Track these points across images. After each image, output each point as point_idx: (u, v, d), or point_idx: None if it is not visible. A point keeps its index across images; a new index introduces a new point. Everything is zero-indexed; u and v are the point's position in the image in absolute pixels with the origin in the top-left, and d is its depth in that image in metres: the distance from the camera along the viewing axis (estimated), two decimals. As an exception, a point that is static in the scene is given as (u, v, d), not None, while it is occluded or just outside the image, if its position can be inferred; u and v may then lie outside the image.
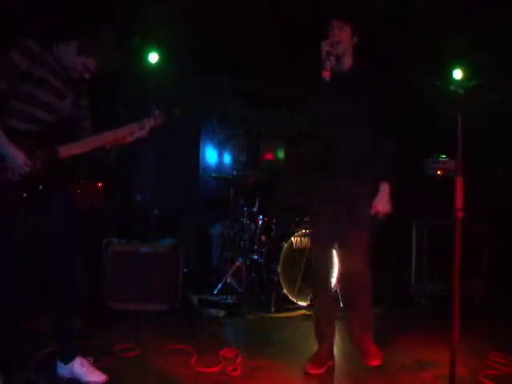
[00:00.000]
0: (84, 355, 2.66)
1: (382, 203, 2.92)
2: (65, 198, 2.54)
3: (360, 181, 2.94)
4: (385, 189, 2.93)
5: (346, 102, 2.91)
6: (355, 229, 2.94)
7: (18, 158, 2.30)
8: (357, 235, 2.95)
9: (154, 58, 5.59)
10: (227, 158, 6.38)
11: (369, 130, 2.94)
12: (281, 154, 6.49)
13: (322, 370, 2.90)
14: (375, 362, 2.95)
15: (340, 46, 2.86)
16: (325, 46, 2.81)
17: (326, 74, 2.81)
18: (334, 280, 4.10)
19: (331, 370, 2.95)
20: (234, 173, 5.24)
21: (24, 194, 2.34)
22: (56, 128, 2.45)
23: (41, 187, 2.39)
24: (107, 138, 2.56)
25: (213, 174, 5.62)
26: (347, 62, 2.97)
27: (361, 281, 2.99)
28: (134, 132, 2.65)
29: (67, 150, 2.45)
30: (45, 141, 2.40)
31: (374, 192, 2.96)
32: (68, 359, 2.60)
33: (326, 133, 2.97)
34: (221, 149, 6.37)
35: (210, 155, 6.34)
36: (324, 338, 3.02)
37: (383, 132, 2.97)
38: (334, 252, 3.70)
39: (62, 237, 2.54)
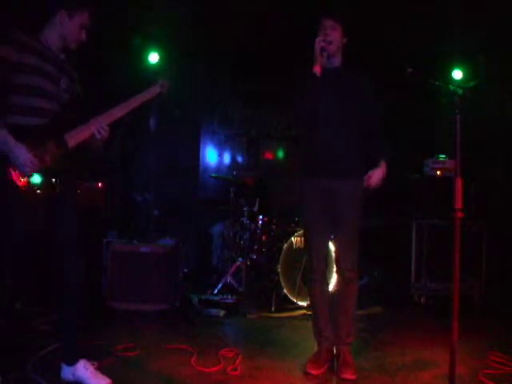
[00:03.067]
0: (88, 358, 2.62)
1: (376, 177, 2.94)
2: (70, 194, 2.52)
3: (350, 179, 2.94)
4: (383, 166, 2.96)
5: (334, 98, 2.93)
6: (344, 228, 2.94)
7: (21, 156, 2.26)
8: (347, 234, 2.95)
9: (154, 57, 5.60)
10: (227, 158, 6.38)
11: (356, 128, 2.95)
12: (281, 154, 6.49)
13: (322, 370, 2.90)
14: (349, 376, 2.81)
15: (332, 45, 2.88)
16: (319, 42, 2.82)
17: (317, 69, 2.80)
18: (332, 281, 4.11)
19: (331, 369, 2.94)
20: (234, 173, 5.24)
21: (38, 191, 2.32)
22: (59, 117, 2.43)
23: (54, 181, 2.36)
24: (107, 118, 2.52)
25: (213, 175, 5.63)
26: (337, 61, 2.99)
27: (348, 282, 2.97)
28: (132, 107, 2.58)
29: (74, 138, 2.42)
30: (51, 132, 2.37)
31: (362, 190, 2.97)
32: (71, 361, 2.56)
33: (314, 130, 2.96)
34: (221, 149, 6.37)
35: (210, 155, 6.34)
36: (323, 339, 3.03)
37: (373, 130, 2.99)
38: (333, 253, 3.72)
39: (69, 234, 2.52)
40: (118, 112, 2.55)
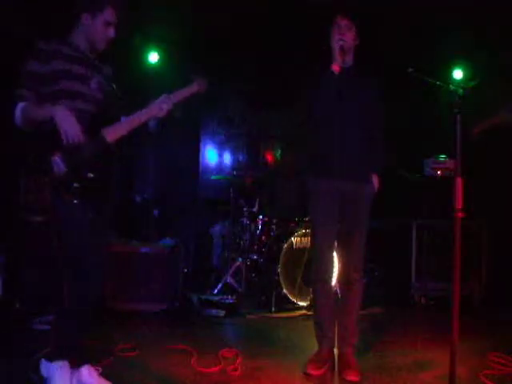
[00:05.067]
0: (91, 363, 2.52)
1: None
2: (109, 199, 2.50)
3: (359, 181, 2.94)
4: (375, 178, 3.02)
5: (348, 98, 2.92)
6: (354, 230, 2.94)
7: (68, 118, 2.24)
8: (355, 235, 2.95)
9: (153, 57, 5.60)
10: (227, 158, 6.38)
11: (366, 129, 2.96)
12: (281, 155, 6.49)
13: (322, 371, 2.89)
14: (353, 378, 2.78)
15: (348, 43, 2.90)
16: (338, 41, 2.86)
17: (336, 68, 2.83)
18: (334, 281, 4.10)
19: (331, 370, 2.94)
20: (234, 173, 5.24)
21: (75, 185, 2.28)
22: (94, 116, 2.42)
23: (91, 175, 2.33)
24: (142, 116, 2.52)
25: (213, 177, 5.63)
26: (349, 60, 2.99)
27: (353, 283, 2.97)
28: (164, 107, 2.57)
29: (113, 132, 2.41)
30: (87, 128, 2.34)
31: (373, 193, 3.00)
32: (75, 365, 2.44)
33: (328, 130, 2.96)
34: (221, 149, 6.37)
35: (210, 155, 6.34)
36: (324, 339, 3.01)
37: (377, 130, 3.00)
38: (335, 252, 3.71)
39: (103, 236, 2.49)
40: (143, 115, 2.53)
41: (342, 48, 2.85)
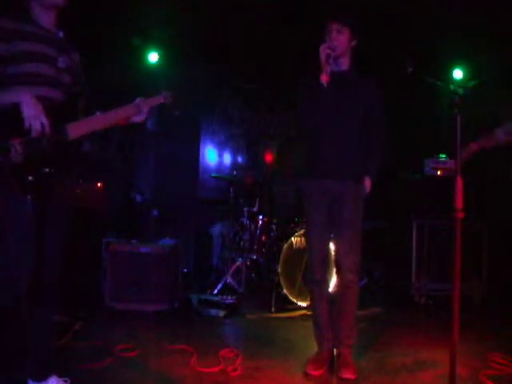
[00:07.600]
0: (59, 374, 2.33)
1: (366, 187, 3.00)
2: (64, 194, 2.31)
3: (351, 181, 2.94)
4: (367, 181, 2.99)
5: (339, 102, 2.91)
6: (345, 230, 2.94)
7: (35, 107, 2.05)
8: (347, 235, 2.94)
9: (153, 57, 5.60)
10: (227, 158, 6.39)
11: (360, 131, 2.95)
12: (280, 155, 6.50)
13: (322, 371, 2.89)
14: (349, 375, 2.79)
15: (338, 48, 2.83)
16: (324, 50, 2.76)
17: (325, 79, 2.75)
18: (333, 282, 4.10)
19: (331, 370, 2.94)
20: (234, 173, 5.24)
21: (30, 178, 2.09)
22: (61, 104, 2.25)
23: (47, 170, 2.14)
24: (111, 116, 2.34)
25: (213, 174, 5.63)
26: (344, 63, 2.96)
27: (348, 285, 2.95)
28: (133, 113, 2.41)
29: (76, 129, 2.20)
30: (51, 119, 2.14)
31: (364, 192, 2.99)
32: (40, 377, 2.26)
33: (318, 133, 2.96)
34: (221, 149, 6.37)
35: (210, 155, 6.34)
36: (323, 339, 3.02)
37: (374, 133, 2.99)
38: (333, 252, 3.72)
39: (58, 234, 2.30)
40: (113, 115, 2.36)
41: (328, 57, 2.76)
